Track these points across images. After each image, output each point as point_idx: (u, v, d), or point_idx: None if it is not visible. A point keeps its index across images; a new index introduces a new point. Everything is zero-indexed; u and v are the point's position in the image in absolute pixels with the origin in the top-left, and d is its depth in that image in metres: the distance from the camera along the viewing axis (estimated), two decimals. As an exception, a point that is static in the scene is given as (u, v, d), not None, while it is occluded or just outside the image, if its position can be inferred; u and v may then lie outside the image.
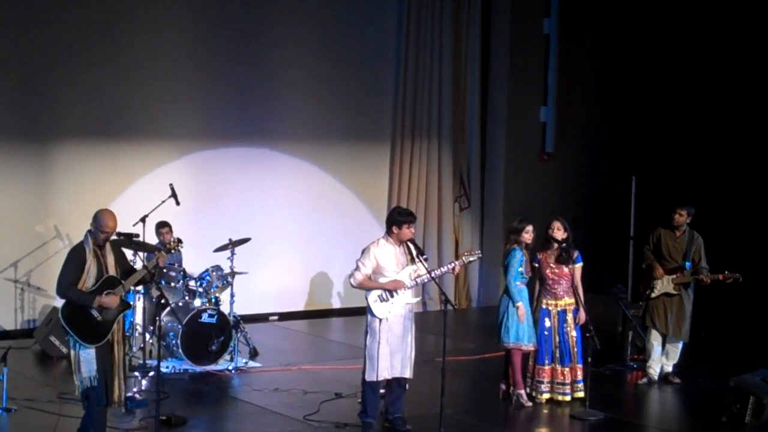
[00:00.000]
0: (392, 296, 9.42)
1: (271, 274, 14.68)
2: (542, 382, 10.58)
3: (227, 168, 14.64)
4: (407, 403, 9.81)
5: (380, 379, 9.45)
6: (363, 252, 9.52)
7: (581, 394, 10.54)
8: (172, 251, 9.24)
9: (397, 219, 9.53)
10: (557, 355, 10.56)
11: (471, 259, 9.94)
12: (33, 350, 12.47)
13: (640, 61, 16.42)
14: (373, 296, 9.44)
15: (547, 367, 10.57)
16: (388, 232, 9.55)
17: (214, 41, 14.47)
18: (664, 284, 11.46)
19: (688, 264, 11.41)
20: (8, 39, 13.21)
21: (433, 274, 9.50)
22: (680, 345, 11.64)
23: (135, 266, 9.42)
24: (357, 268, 9.46)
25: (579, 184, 16.67)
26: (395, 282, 9.43)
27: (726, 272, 11.28)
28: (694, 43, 15.67)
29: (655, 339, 11.61)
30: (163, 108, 14.14)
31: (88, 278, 8.43)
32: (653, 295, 11.49)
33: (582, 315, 10.49)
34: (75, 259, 8.46)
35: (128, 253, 9.25)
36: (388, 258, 9.46)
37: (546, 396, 10.59)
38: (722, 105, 15.38)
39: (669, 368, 11.70)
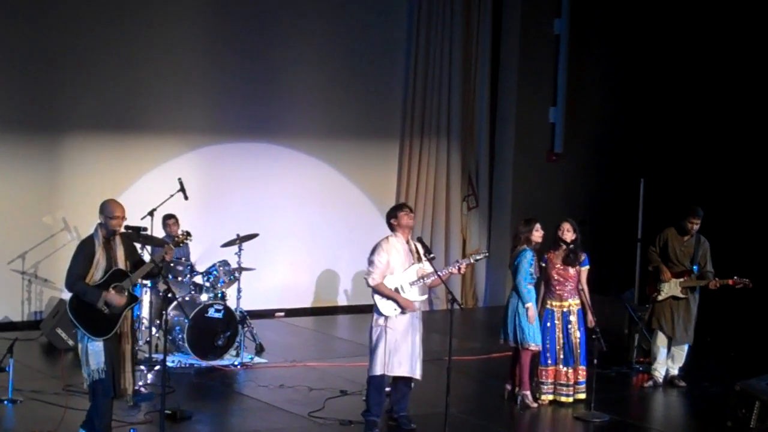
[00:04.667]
0: (402, 292, 9.40)
1: (278, 270, 14.69)
2: (545, 383, 10.59)
3: (236, 163, 14.65)
4: (412, 402, 9.81)
5: (377, 374, 9.42)
6: (374, 250, 9.48)
7: (582, 396, 10.57)
8: (181, 244, 9.23)
9: (392, 212, 9.61)
10: (560, 356, 10.56)
11: (478, 257, 9.94)
12: (39, 342, 12.49)
13: (650, 62, 16.41)
14: (382, 292, 9.44)
15: (550, 368, 10.58)
16: (392, 228, 9.56)
17: (224, 36, 14.48)
18: (671, 287, 11.45)
19: (695, 268, 11.40)
20: (19, 31, 13.22)
21: (439, 274, 9.48)
22: (686, 348, 11.63)
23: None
24: (373, 266, 9.39)
25: (587, 185, 16.65)
26: (406, 302, 9.38)
27: (735, 278, 11.26)
28: (705, 45, 15.65)
29: (661, 342, 11.60)
30: (173, 102, 14.16)
31: (97, 271, 8.44)
32: (660, 297, 11.49)
33: (591, 318, 10.48)
34: (84, 251, 8.47)
35: (136, 247, 9.24)
36: (397, 255, 9.45)
37: (549, 397, 10.60)
38: (732, 108, 15.36)
39: (675, 371, 11.69)
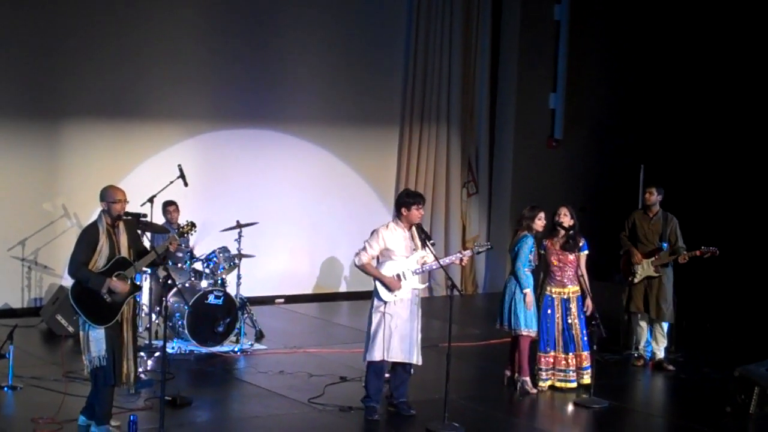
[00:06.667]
0: (403, 279, 9.39)
1: (277, 256, 14.69)
2: (543, 370, 10.59)
3: (236, 150, 14.64)
4: (412, 388, 9.81)
5: (374, 359, 9.42)
6: (372, 234, 9.49)
7: (588, 380, 10.55)
8: (185, 235, 9.21)
9: (406, 201, 9.50)
10: (560, 342, 10.57)
11: (480, 250, 9.91)
12: (39, 328, 12.50)
13: (650, 48, 16.39)
14: (382, 279, 9.44)
15: (549, 355, 10.58)
16: (398, 215, 9.54)
17: (224, 23, 14.46)
18: (644, 268, 11.61)
19: (665, 245, 11.50)
20: (19, 17, 13.20)
21: (440, 262, 9.47)
22: (666, 327, 11.71)
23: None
24: (363, 249, 9.43)
25: (587, 171, 16.65)
26: (392, 282, 9.38)
27: (702, 247, 11.40)
28: (705, 31, 15.62)
29: (642, 321, 11.73)
30: (173, 88, 14.14)
31: (100, 258, 8.45)
32: (636, 280, 11.62)
33: (589, 304, 10.48)
34: (87, 238, 8.48)
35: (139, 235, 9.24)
36: (397, 242, 9.44)
37: (547, 383, 10.60)
38: (732, 94, 15.35)
39: (660, 353, 11.70)
